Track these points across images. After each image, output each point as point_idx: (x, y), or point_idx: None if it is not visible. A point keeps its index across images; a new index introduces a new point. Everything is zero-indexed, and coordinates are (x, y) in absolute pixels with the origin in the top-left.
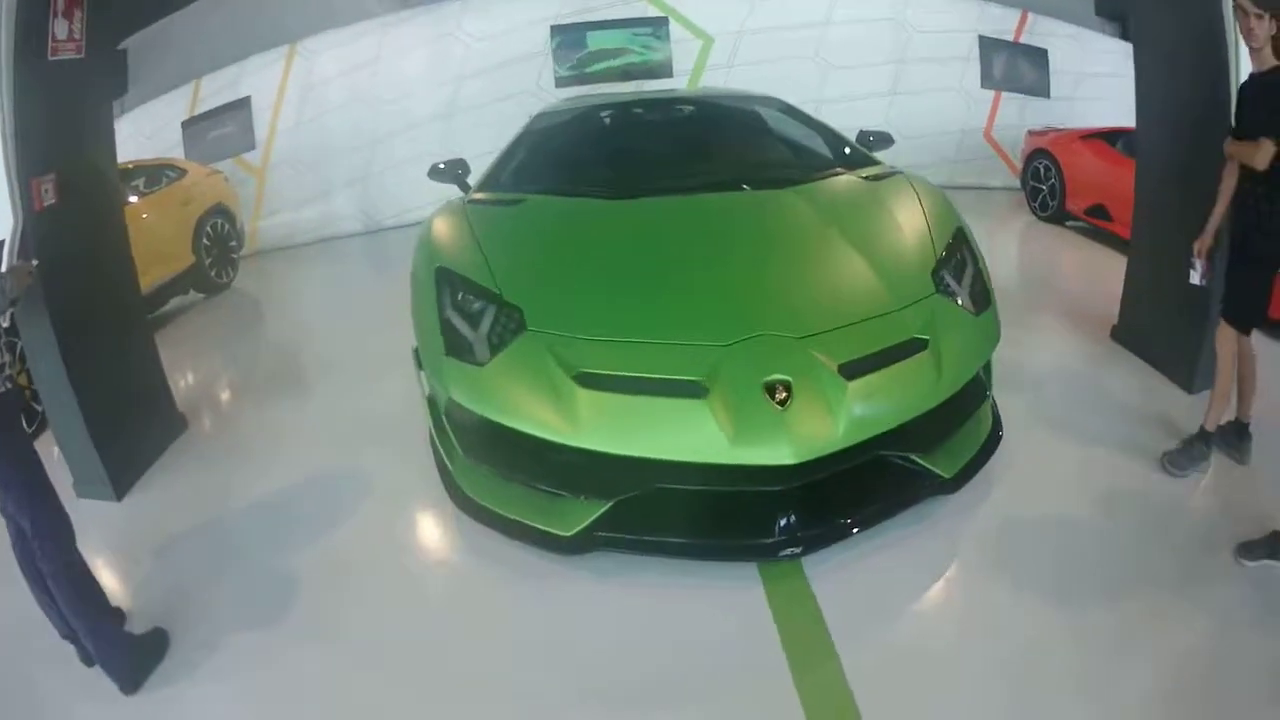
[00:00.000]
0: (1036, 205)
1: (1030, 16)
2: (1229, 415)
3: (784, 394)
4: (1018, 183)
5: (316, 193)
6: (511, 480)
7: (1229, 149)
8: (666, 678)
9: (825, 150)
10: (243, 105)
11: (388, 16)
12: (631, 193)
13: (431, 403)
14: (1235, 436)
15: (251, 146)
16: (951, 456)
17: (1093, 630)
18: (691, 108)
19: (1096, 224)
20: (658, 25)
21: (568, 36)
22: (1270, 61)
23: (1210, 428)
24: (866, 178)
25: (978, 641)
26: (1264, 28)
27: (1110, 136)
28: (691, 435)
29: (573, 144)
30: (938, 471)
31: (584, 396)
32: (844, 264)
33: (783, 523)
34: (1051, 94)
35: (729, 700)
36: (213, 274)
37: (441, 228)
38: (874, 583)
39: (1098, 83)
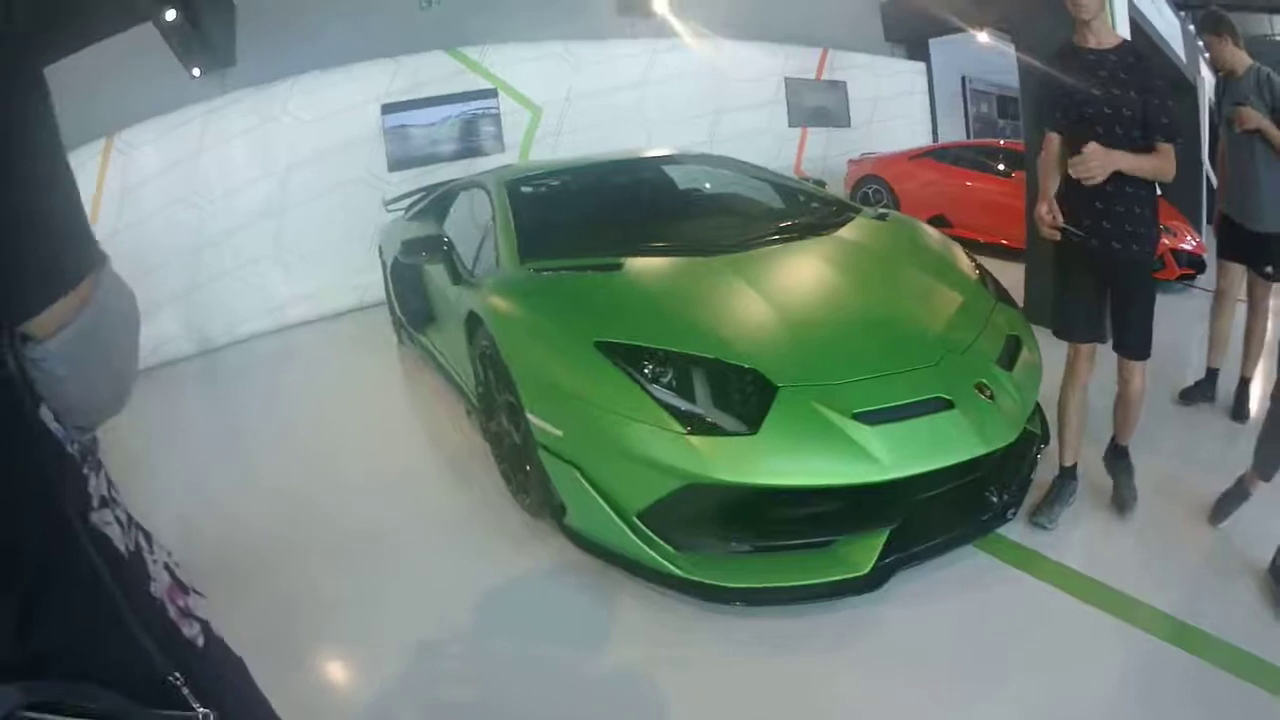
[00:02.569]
0: None
1: (830, 53)
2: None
3: (988, 393)
4: None
5: (140, 312)
6: (754, 548)
7: (1135, 164)
8: (1019, 678)
9: (819, 198)
10: None
11: (211, 101)
12: (710, 249)
13: (608, 500)
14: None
15: None
16: (1034, 420)
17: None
18: (673, 168)
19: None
20: (487, 98)
21: (399, 116)
22: (1109, 36)
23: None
24: (875, 218)
25: (1174, 511)
26: None
27: (938, 154)
28: (959, 441)
29: (598, 207)
30: (1037, 431)
31: (874, 433)
32: (936, 289)
33: (992, 495)
34: (852, 122)
35: (1103, 672)
36: None
37: (539, 304)
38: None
39: (892, 104)
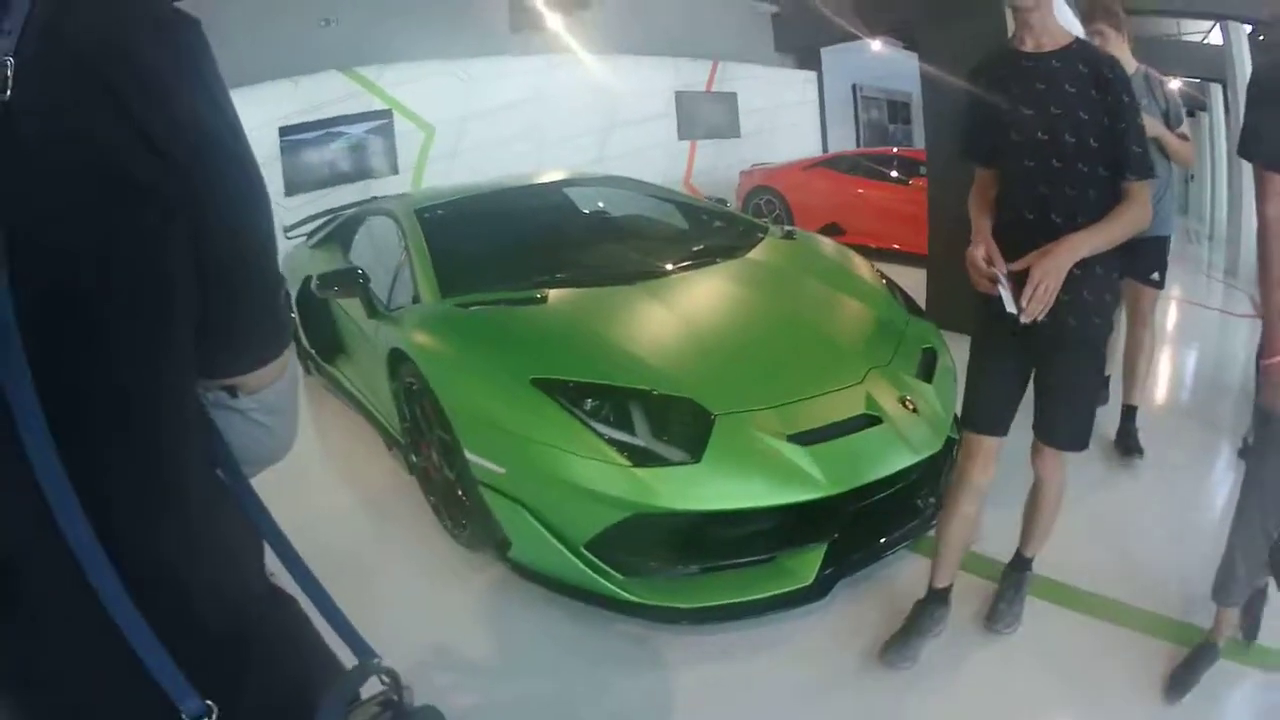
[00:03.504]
0: None
1: (720, 65)
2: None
3: (911, 405)
4: None
5: None
6: (700, 569)
7: (1105, 238)
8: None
9: (724, 216)
10: None
11: None
12: (629, 277)
13: (555, 533)
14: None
15: None
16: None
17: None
18: (577, 190)
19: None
20: (383, 118)
21: (297, 139)
22: (1055, 34)
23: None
24: (782, 237)
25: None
26: None
27: (832, 162)
28: (890, 454)
29: (511, 235)
30: (955, 436)
31: (810, 454)
32: (852, 307)
33: (920, 500)
34: (741, 133)
35: (1045, 658)
36: None
37: (470, 342)
38: None
39: (782, 113)
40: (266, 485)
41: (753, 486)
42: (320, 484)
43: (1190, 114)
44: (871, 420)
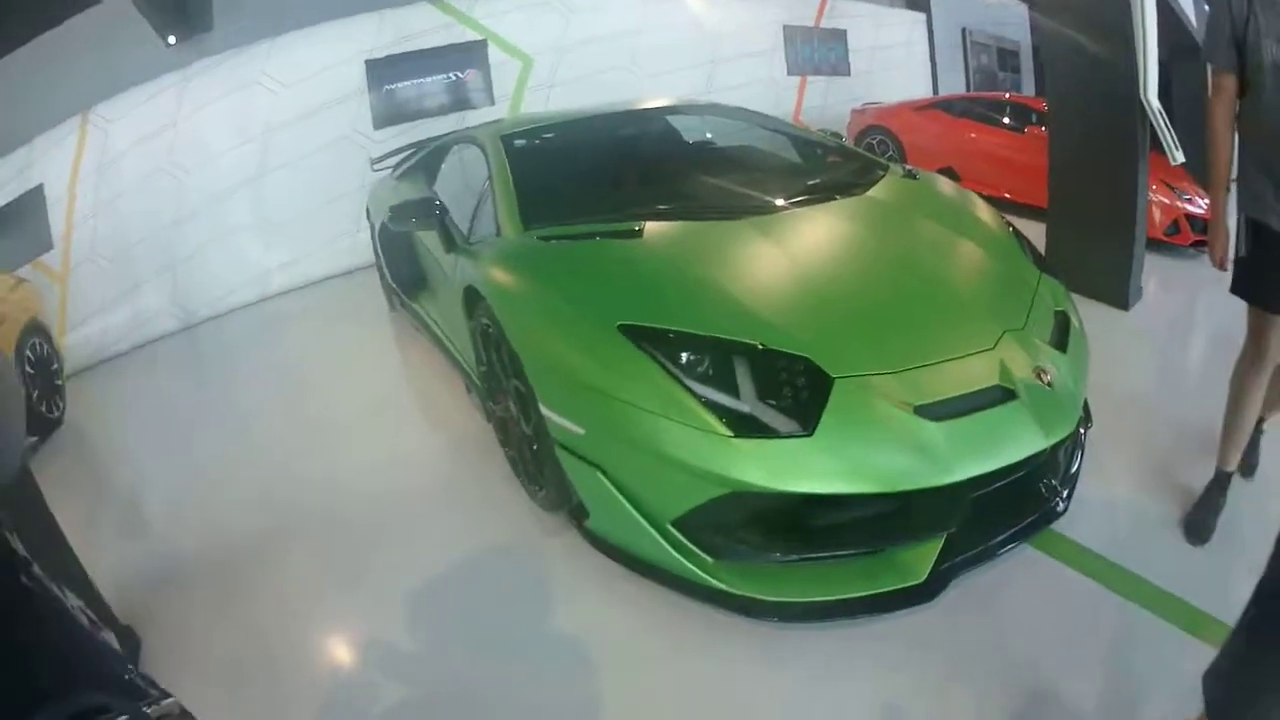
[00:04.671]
0: None
1: (828, 1)
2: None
3: (1046, 378)
4: None
5: (123, 290)
6: (800, 558)
7: None
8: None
9: (840, 151)
10: (34, 196)
11: (188, 68)
12: (736, 211)
13: (638, 506)
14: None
15: (49, 246)
16: None
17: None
18: (681, 119)
19: None
20: (476, 50)
21: (384, 72)
22: None
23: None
24: (904, 175)
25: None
26: None
27: (944, 105)
28: (1022, 435)
29: (605, 164)
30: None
31: (939, 430)
32: (983, 261)
33: (1044, 489)
34: (852, 71)
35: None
36: (42, 409)
37: (550, 280)
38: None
39: (890, 54)
40: (345, 423)
41: (873, 467)
42: (400, 426)
43: None
44: (1006, 394)
